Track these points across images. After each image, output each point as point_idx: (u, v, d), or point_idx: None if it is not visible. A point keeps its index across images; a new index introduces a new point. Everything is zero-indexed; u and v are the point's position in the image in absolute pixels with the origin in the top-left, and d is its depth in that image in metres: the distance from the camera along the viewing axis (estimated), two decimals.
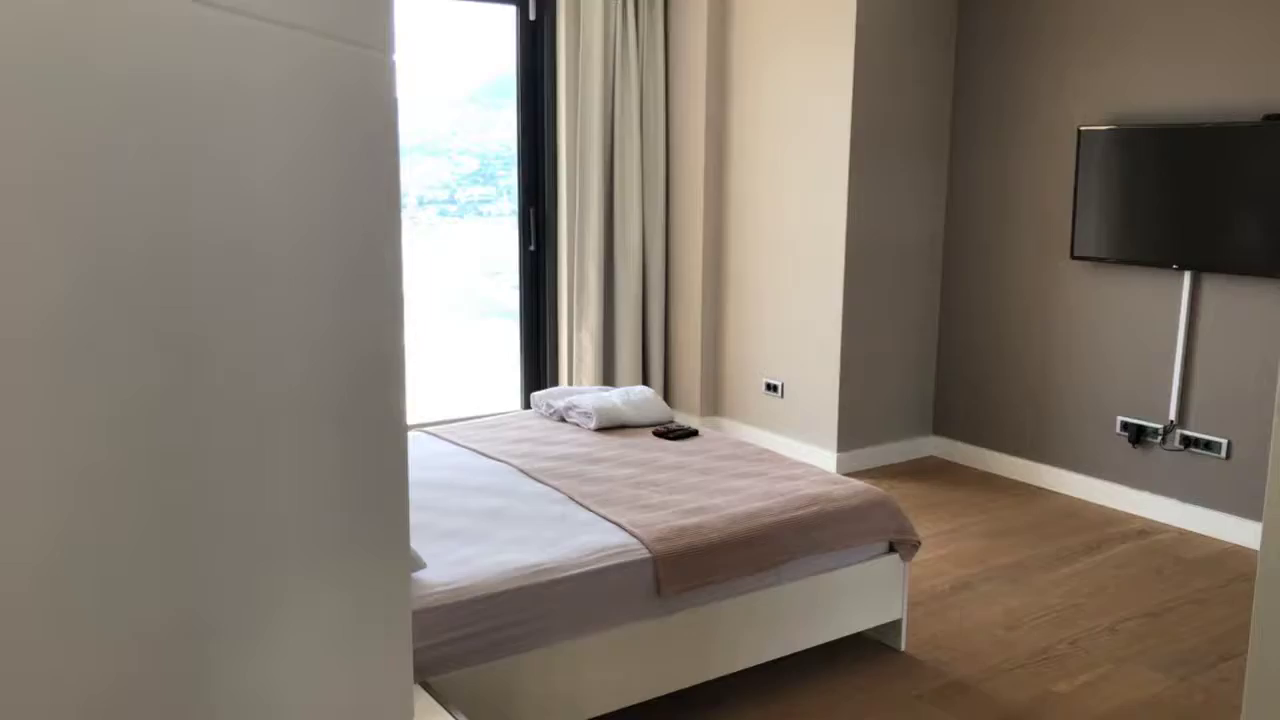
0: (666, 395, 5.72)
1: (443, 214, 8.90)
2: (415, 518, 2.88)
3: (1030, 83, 4.66)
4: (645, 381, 5.65)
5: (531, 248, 5.56)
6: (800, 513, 2.98)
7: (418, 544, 2.66)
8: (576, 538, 2.75)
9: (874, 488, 3.20)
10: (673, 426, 3.77)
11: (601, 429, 3.77)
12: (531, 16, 5.32)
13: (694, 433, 3.72)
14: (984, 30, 4.83)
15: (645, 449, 3.54)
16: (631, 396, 3.93)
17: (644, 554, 2.71)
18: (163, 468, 0.72)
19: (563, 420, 3.94)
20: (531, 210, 5.53)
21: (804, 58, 4.85)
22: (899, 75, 4.79)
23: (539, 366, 5.67)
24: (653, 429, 3.77)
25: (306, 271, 0.80)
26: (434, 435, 3.81)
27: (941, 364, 5.18)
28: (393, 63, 0.81)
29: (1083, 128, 4.39)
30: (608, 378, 5.58)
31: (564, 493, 3.08)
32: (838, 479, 3.25)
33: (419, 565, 2.49)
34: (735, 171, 5.29)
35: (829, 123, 4.76)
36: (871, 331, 4.92)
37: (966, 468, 5.08)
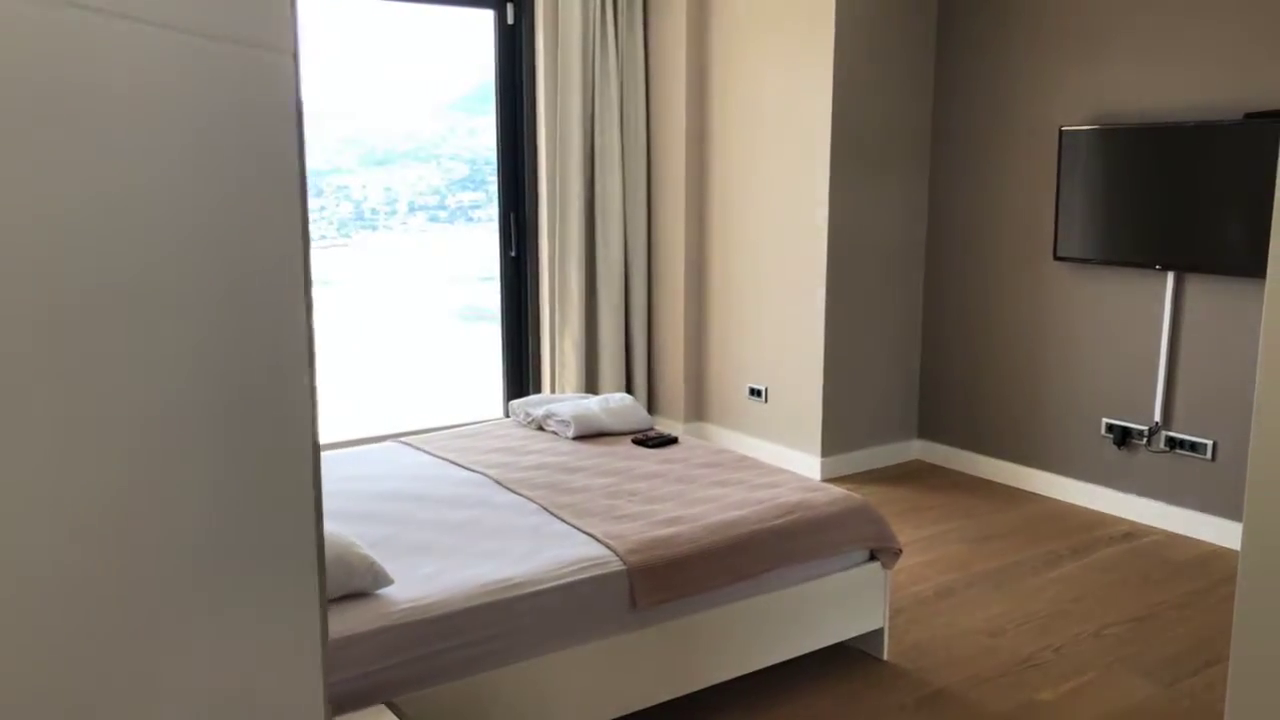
0: (650, 401, 5.67)
1: (433, 219, 8.76)
2: (383, 531, 2.82)
3: (1011, 83, 4.63)
4: (628, 388, 5.60)
5: (513, 253, 5.51)
6: (779, 521, 2.92)
7: (385, 559, 2.60)
8: (549, 550, 2.70)
9: (853, 494, 3.16)
10: (652, 434, 3.72)
11: (580, 437, 3.72)
12: (510, 21, 5.27)
13: (673, 440, 3.68)
14: (964, 31, 4.80)
15: (623, 457, 3.49)
16: (610, 404, 3.87)
17: (619, 566, 2.66)
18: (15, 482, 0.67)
19: (541, 429, 3.88)
20: (512, 215, 5.47)
21: (784, 60, 4.81)
22: (880, 77, 4.76)
23: (521, 374, 5.62)
24: (632, 437, 3.72)
25: (185, 285, 0.75)
26: (409, 445, 3.75)
27: (925, 367, 5.14)
28: (296, 65, 0.76)
29: (1064, 128, 4.36)
30: (590, 384, 5.53)
31: (538, 503, 3.03)
32: (817, 486, 3.20)
33: (385, 581, 2.43)
34: (717, 175, 5.25)
35: (810, 125, 4.72)
36: (855, 335, 4.88)
37: (951, 471, 5.04)
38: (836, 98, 4.62)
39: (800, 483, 3.23)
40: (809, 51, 4.68)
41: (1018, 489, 4.78)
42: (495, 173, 5.51)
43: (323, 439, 0.96)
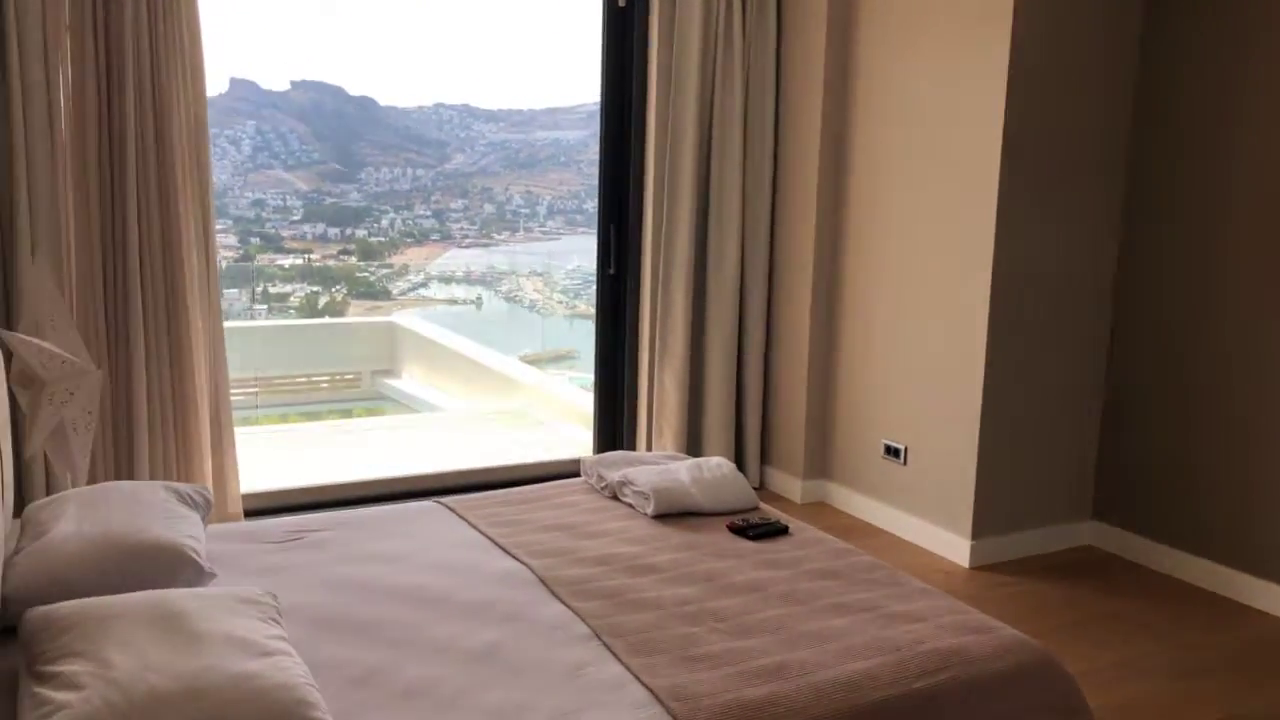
0: (763, 450, 4.81)
1: (570, 223, 8.23)
2: (376, 658, 2.06)
3: (1247, 81, 3.60)
4: (738, 433, 4.75)
5: (611, 271, 4.73)
6: (923, 683, 2.05)
7: (365, 708, 1.84)
8: (590, 714, 1.89)
9: (1031, 642, 2.25)
10: (755, 521, 2.87)
11: (661, 516, 2.91)
12: (620, 3, 4.50)
13: (781, 530, 2.82)
14: (1182, 21, 3.79)
15: (714, 553, 2.66)
16: (705, 473, 3.05)
17: None
18: None
19: (616, 498, 3.08)
20: (612, 228, 4.70)
21: (948, 53, 3.90)
22: (1065, 81, 3.79)
23: (613, 410, 4.83)
24: (728, 521, 2.88)
25: None
26: (450, 510, 3.00)
27: (1108, 431, 4.13)
28: None
29: None
30: (693, 426, 4.70)
31: (590, 625, 2.22)
32: (979, 624, 2.30)
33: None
34: (857, 188, 4.36)
35: (976, 131, 3.79)
36: (1021, 388, 3.92)
37: (1136, 566, 4.03)
38: (1011, 96, 3.69)
39: (953, 616, 2.33)
40: (979, 40, 3.76)
41: (1231, 600, 3.74)
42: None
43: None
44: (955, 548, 3.98)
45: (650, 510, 2.90)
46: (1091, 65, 3.85)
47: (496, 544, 2.69)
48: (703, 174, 4.54)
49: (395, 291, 8.62)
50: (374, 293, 8.55)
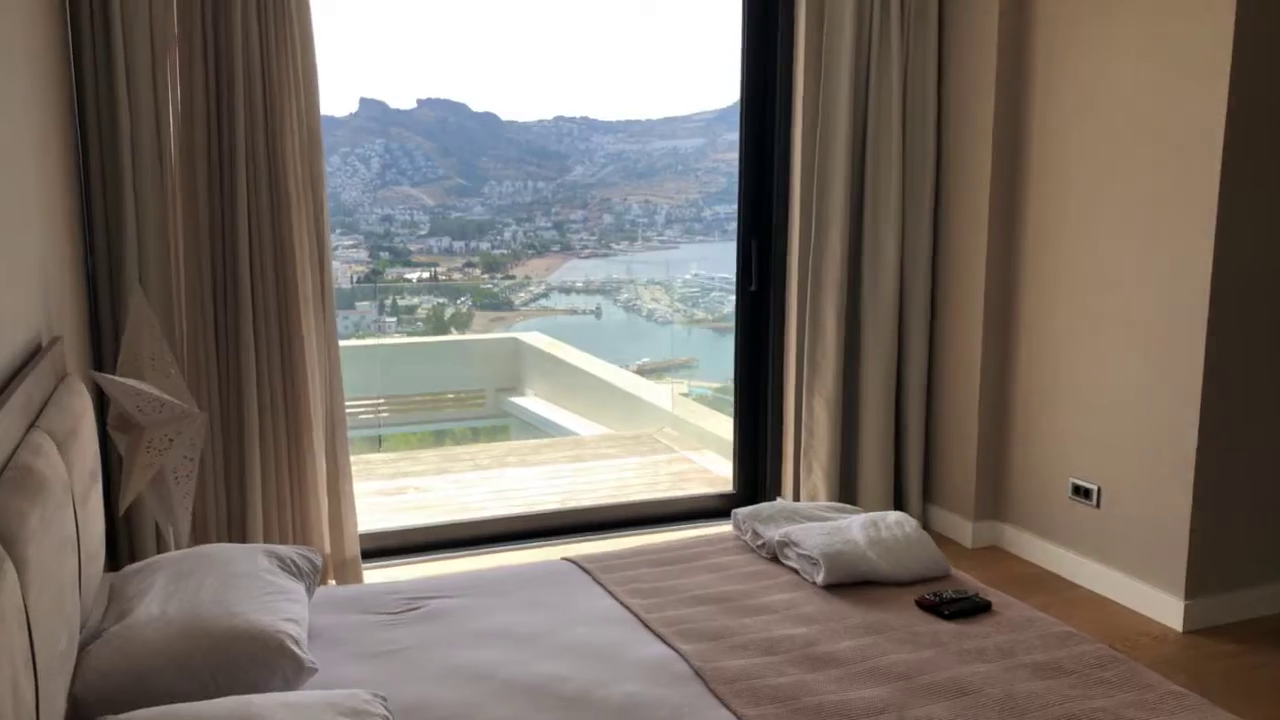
0: (927, 487, 4.29)
1: (688, 231, 8.16)
2: None
3: None
4: (897, 467, 4.25)
5: (753, 287, 4.30)
6: None
7: None
8: None
9: None
10: (949, 594, 2.39)
11: (833, 585, 2.46)
12: None
13: (984, 606, 2.34)
14: None
15: (906, 638, 2.20)
16: (882, 532, 2.58)
17: None
18: None
19: (776, 560, 2.65)
20: (754, 241, 4.27)
21: (1153, 20, 3.34)
22: None
23: (756, 438, 4.39)
24: (916, 597, 2.41)
25: None
26: (585, 572, 2.61)
27: None
28: None
29: None
30: (846, 459, 4.22)
31: None
32: None
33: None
34: (1036, 187, 3.82)
35: (1190, 118, 3.22)
36: (1246, 417, 3.33)
37: None
38: (1236, 76, 3.11)
39: None
40: (1195, 15, 3.19)
41: None
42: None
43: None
44: (1164, 608, 3.40)
45: (820, 579, 2.45)
46: None
47: (640, 620, 2.29)
48: (856, 179, 4.07)
49: (517, 302, 8.86)
50: (497, 304, 8.80)
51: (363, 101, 8.23)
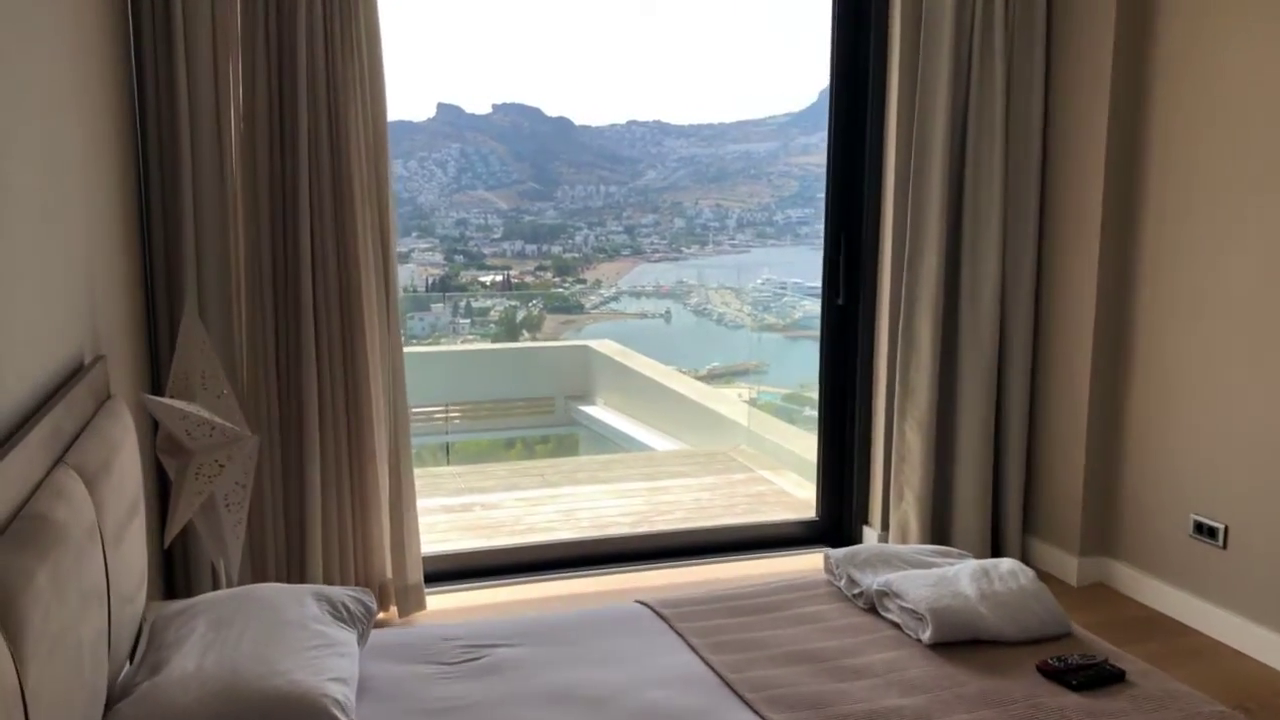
0: (1027, 520, 3.97)
1: (760, 235, 8.10)
2: None
3: None
4: (996, 494, 3.93)
5: (839, 301, 4.03)
6: None
7: None
8: None
9: None
10: (1075, 660, 2.10)
11: (941, 645, 2.19)
12: None
13: (1117, 676, 2.06)
14: None
15: (1029, 712, 1.93)
16: (995, 585, 2.31)
17: None
18: None
19: (874, 610, 2.39)
20: (841, 252, 4.00)
21: None
22: None
23: (841, 461, 4.12)
24: (1038, 661, 2.13)
25: None
26: (661, 619, 2.38)
27: None
28: None
29: None
30: (940, 486, 3.93)
31: None
32: None
33: None
34: (1155, 199, 3.50)
35: None
36: None
37: None
38: None
39: None
40: None
41: None
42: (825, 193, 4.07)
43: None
44: None
45: (926, 637, 2.19)
46: None
47: (725, 682, 2.05)
48: (954, 188, 3.78)
49: (588, 305, 8.90)
50: (568, 307, 8.85)
51: (439, 106, 8.41)
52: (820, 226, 4.10)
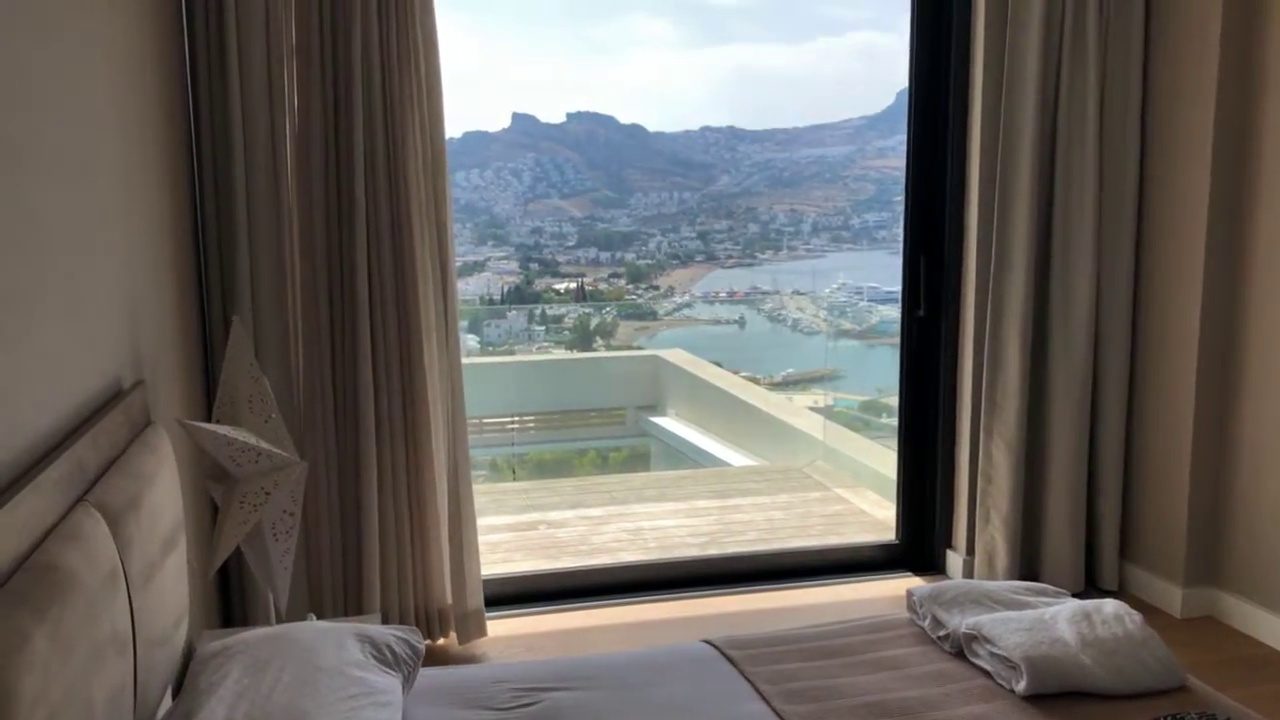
0: (1124, 545, 3.71)
1: (835, 240, 7.98)
2: None
3: None
4: (1090, 523, 3.68)
5: (920, 313, 3.82)
6: None
7: None
8: None
9: None
10: (1191, 717, 1.89)
11: (1037, 696, 1.99)
12: None
13: None
14: None
15: None
16: (1099, 630, 2.09)
17: None
18: None
19: (962, 655, 2.19)
20: (921, 260, 3.79)
21: None
22: None
23: (923, 481, 3.90)
24: (1145, 714, 1.92)
25: None
26: (729, 661, 2.21)
27: None
28: None
29: None
30: (1030, 509, 3.69)
31: None
32: None
33: None
34: (1268, 204, 3.23)
35: None
36: None
37: None
38: None
39: None
40: None
41: None
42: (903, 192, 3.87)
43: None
44: None
45: (1021, 688, 1.98)
46: None
47: None
48: (1043, 194, 3.54)
49: (661, 312, 8.91)
50: (641, 313, 8.90)
51: (515, 116, 8.49)
52: (899, 230, 3.91)
